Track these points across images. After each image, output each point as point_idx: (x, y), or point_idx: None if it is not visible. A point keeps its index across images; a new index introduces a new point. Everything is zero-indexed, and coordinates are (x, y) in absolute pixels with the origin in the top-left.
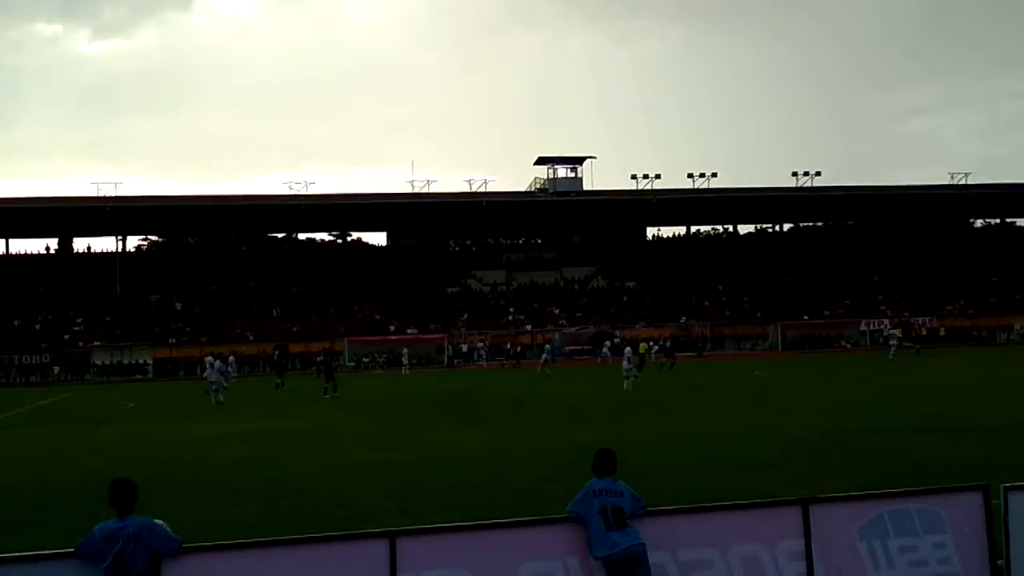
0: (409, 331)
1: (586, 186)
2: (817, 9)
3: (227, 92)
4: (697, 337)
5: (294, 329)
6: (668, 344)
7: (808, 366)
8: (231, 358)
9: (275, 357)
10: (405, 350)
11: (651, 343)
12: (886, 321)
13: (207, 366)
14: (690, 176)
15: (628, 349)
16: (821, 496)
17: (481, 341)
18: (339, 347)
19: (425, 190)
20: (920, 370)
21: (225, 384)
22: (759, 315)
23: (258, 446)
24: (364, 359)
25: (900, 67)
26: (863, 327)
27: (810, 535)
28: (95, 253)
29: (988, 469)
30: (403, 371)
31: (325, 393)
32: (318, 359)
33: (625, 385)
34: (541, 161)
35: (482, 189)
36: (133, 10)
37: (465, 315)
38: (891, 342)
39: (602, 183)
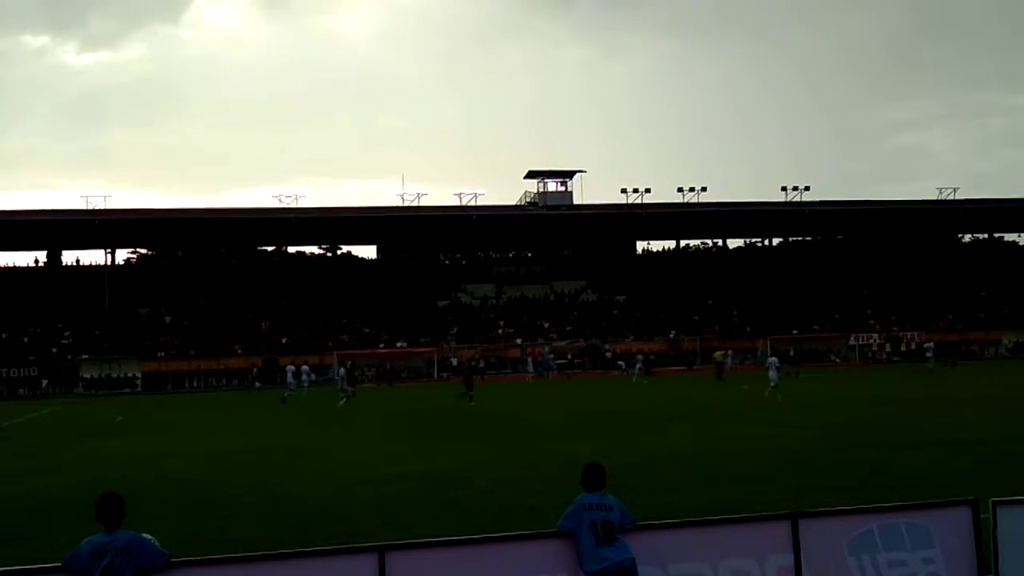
0: (399, 344)
1: (576, 200)
2: (805, 26)
3: (216, 105)
4: (687, 351)
5: (284, 342)
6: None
7: (797, 380)
8: (304, 367)
9: (347, 368)
10: (640, 356)
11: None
12: (875, 336)
13: (288, 375)
14: (680, 191)
15: (774, 359)
16: (811, 510)
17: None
18: (328, 360)
19: (415, 203)
20: (912, 383)
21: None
22: (748, 329)
23: (248, 460)
24: (355, 372)
25: (888, 82)
26: (852, 341)
27: (800, 549)
28: (84, 266)
29: (977, 484)
30: (634, 376)
31: (462, 399)
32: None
33: (766, 393)
34: (531, 175)
35: (472, 203)
36: (121, 22)
37: (455, 329)
38: (927, 354)
39: (592, 197)
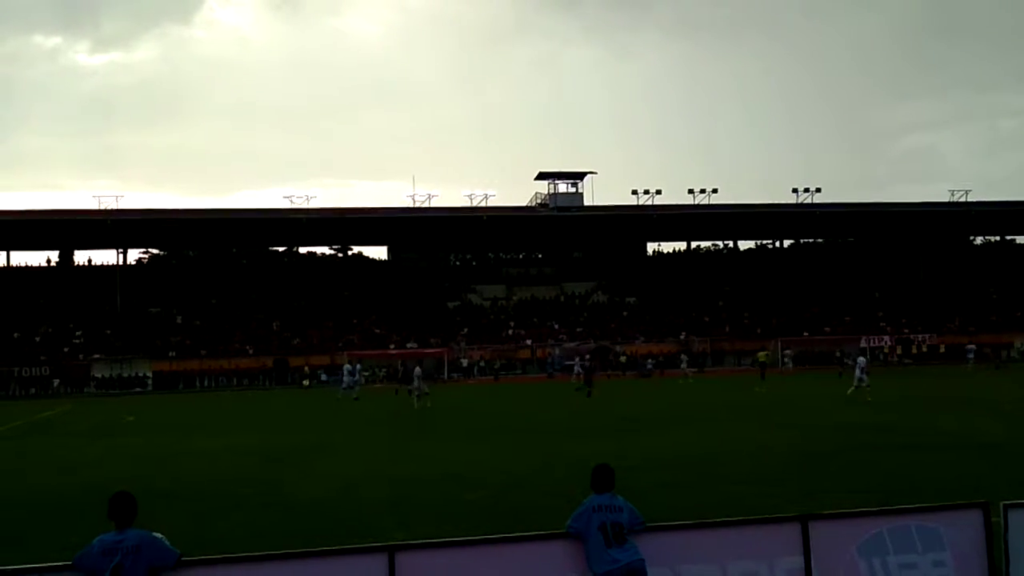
0: (409, 345)
1: (586, 201)
2: (815, 27)
3: (228, 105)
4: (697, 353)
5: (294, 342)
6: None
7: (808, 382)
8: (359, 366)
9: (400, 368)
10: (684, 356)
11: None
12: (886, 338)
13: (344, 373)
14: (690, 192)
15: (862, 359)
16: (821, 513)
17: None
18: (339, 360)
19: (426, 204)
20: (927, 385)
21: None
22: (759, 331)
23: (258, 459)
24: (364, 373)
25: (900, 84)
26: (863, 343)
27: (810, 552)
28: (96, 266)
29: (988, 486)
30: (685, 376)
31: (578, 390)
32: (584, 363)
33: (849, 392)
34: (542, 176)
35: (483, 204)
36: (133, 23)
37: (465, 330)
38: (968, 355)
39: (603, 198)
